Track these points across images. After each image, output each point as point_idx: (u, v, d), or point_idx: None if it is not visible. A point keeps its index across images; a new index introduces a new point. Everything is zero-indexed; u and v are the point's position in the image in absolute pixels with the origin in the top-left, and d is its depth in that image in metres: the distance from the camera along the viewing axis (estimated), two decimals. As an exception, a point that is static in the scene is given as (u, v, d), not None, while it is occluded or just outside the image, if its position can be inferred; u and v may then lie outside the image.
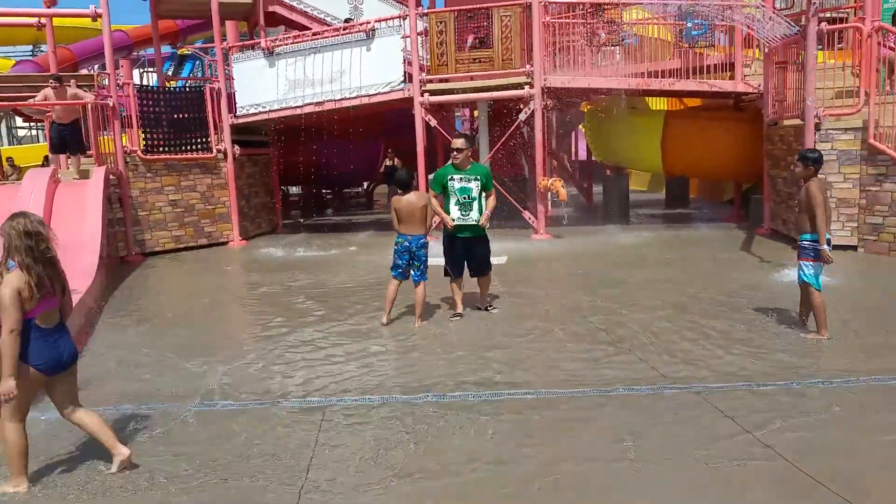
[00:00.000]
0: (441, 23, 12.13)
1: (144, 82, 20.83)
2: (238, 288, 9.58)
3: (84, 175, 10.92)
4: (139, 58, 24.47)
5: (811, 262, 5.95)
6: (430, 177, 8.07)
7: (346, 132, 14.47)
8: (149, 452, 4.20)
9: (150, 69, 21.28)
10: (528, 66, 11.95)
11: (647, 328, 6.42)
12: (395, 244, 6.88)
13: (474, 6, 12.12)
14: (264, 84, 13.14)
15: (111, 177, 11.42)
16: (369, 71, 12.53)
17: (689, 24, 12.20)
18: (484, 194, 6.95)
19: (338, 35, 12.86)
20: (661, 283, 8.37)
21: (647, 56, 12.71)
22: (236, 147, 13.23)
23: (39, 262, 3.72)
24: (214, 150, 13.02)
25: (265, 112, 13.28)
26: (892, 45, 9.94)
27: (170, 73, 20.53)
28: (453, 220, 6.88)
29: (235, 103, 13.39)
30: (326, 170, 16.28)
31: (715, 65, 12.41)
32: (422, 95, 12.23)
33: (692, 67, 12.30)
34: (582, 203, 18.55)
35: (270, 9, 14.84)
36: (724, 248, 10.71)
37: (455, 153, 6.84)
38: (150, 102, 12.38)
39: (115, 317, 7.85)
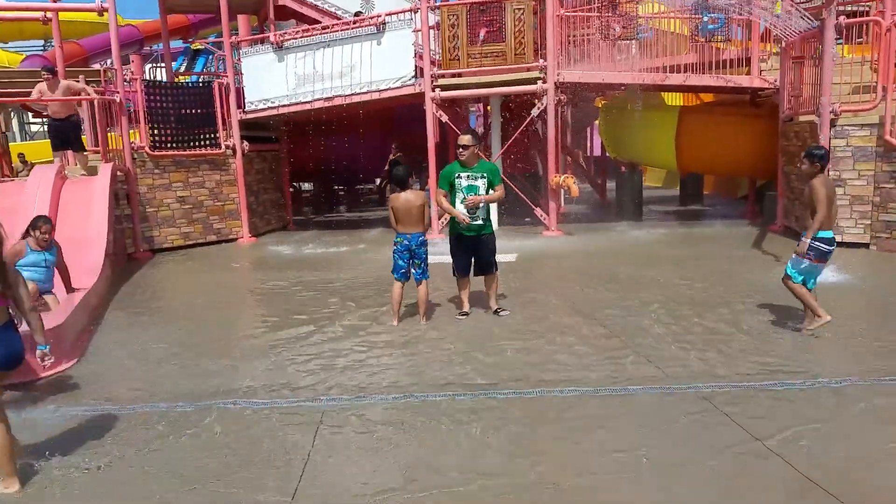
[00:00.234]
0: (453, 16, 11.98)
1: (154, 77, 20.83)
2: (245, 285, 9.51)
3: (91, 171, 10.88)
4: (151, 53, 24.50)
5: (808, 260, 5.82)
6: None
7: (356, 128, 14.37)
8: (148, 451, 4.18)
9: (162, 65, 21.26)
10: (541, 61, 11.79)
11: (657, 328, 6.29)
12: (395, 243, 6.77)
13: (487, -1, 11.98)
14: (273, 79, 13.04)
15: (118, 173, 11.38)
16: (380, 65, 12.39)
17: (706, 18, 11.98)
18: (492, 190, 6.81)
19: (348, 29, 12.74)
20: (672, 282, 8.22)
21: (662, 50, 12.52)
22: (245, 143, 13.17)
23: None
24: (223, 146, 12.96)
25: (274, 107, 13.19)
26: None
27: (182, 68, 20.49)
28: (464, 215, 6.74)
29: (244, 98, 13.32)
30: (337, 165, 16.18)
31: (731, 59, 12.19)
32: (433, 90, 12.10)
33: (708, 62, 12.10)
34: (596, 199, 18.42)
35: (280, 2, 14.73)
36: (737, 246, 10.56)
37: (461, 149, 6.70)
38: (158, 98, 12.31)
39: (120, 313, 7.81)
